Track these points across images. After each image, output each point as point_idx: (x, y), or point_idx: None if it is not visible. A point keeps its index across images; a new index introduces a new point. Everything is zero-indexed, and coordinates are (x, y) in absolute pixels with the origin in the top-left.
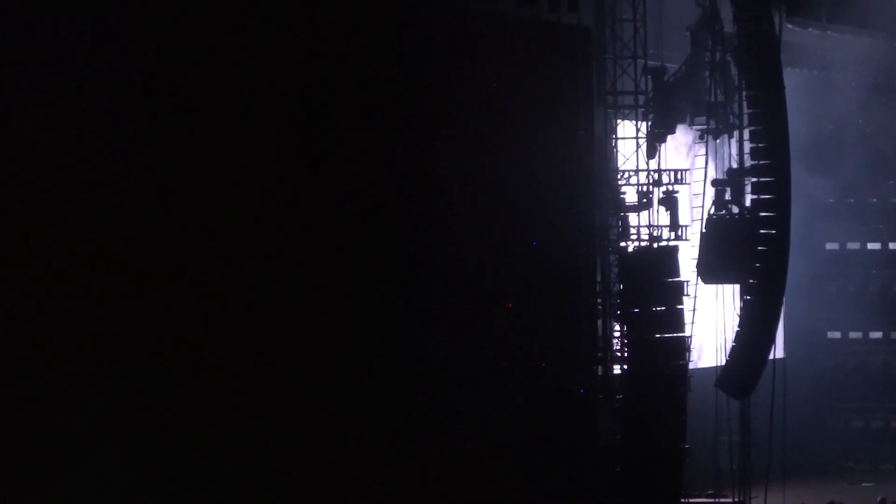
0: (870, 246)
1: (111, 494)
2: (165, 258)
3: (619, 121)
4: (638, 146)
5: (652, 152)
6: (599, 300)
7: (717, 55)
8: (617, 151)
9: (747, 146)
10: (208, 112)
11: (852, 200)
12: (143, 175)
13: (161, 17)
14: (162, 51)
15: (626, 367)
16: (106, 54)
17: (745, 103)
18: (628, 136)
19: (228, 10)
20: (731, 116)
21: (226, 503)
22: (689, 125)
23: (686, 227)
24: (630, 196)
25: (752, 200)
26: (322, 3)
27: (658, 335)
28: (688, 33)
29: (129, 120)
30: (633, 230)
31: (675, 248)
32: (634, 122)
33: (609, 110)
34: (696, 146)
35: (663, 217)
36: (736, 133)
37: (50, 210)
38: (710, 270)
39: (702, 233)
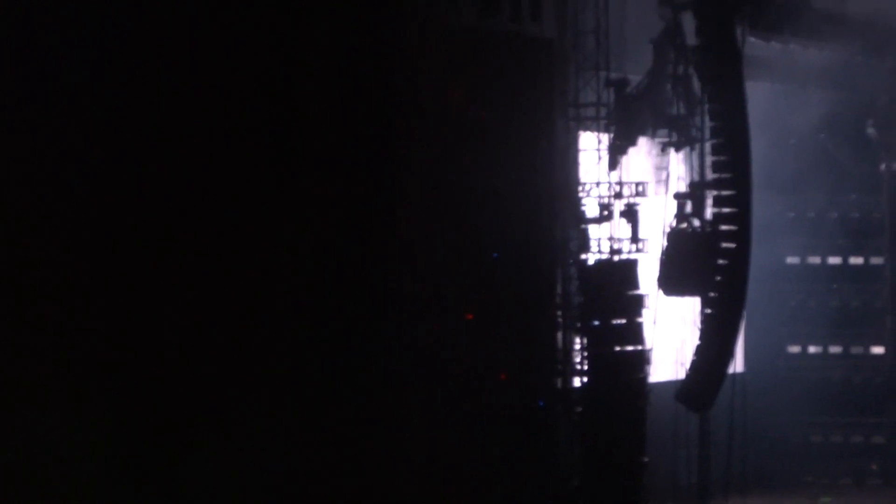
0: (830, 261)
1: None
2: (135, 262)
3: (580, 132)
4: (599, 158)
5: (613, 164)
6: (559, 312)
7: (680, 68)
8: (578, 163)
9: (709, 159)
10: (178, 117)
11: (813, 215)
12: (110, 177)
13: (137, 18)
14: (137, 53)
15: (585, 379)
16: (75, 56)
17: (706, 116)
18: (590, 148)
19: (206, 21)
20: (693, 129)
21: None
22: (651, 138)
23: (646, 240)
24: (591, 208)
25: (713, 214)
26: (290, 12)
27: (618, 348)
28: (650, 46)
29: (98, 118)
30: (593, 242)
31: (636, 261)
32: (596, 134)
33: (571, 122)
34: (658, 159)
35: (624, 229)
36: (698, 146)
37: (14, 212)
38: (671, 283)
39: (663, 246)
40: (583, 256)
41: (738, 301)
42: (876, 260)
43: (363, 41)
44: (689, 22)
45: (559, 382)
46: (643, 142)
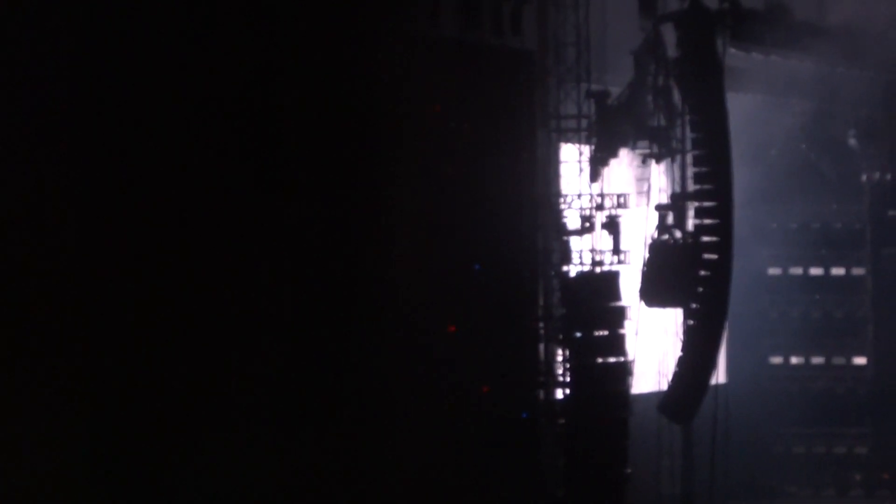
0: (812, 271)
1: None
2: (124, 266)
3: (561, 144)
4: (581, 170)
5: (595, 176)
6: (542, 324)
7: (661, 79)
8: (560, 175)
9: (690, 170)
10: (155, 127)
11: (795, 225)
12: (99, 180)
13: (120, 25)
14: (122, 66)
15: (568, 391)
16: (58, 62)
17: (687, 127)
18: (571, 159)
19: (181, 29)
20: (675, 140)
21: None
22: (633, 149)
23: (628, 251)
24: (572, 220)
25: (695, 225)
26: (269, 25)
27: (600, 360)
28: (631, 58)
29: (80, 122)
30: (575, 254)
31: (618, 273)
32: (577, 145)
33: (552, 134)
34: (640, 170)
35: (606, 241)
36: (679, 157)
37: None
38: (653, 295)
39: (644, 257)
40: (564, 268)
41: (720, 312)
42: (858, 270)
43: (343, 54)
44: (669, 33)
45: (542, 394)
46: (624, 153)
